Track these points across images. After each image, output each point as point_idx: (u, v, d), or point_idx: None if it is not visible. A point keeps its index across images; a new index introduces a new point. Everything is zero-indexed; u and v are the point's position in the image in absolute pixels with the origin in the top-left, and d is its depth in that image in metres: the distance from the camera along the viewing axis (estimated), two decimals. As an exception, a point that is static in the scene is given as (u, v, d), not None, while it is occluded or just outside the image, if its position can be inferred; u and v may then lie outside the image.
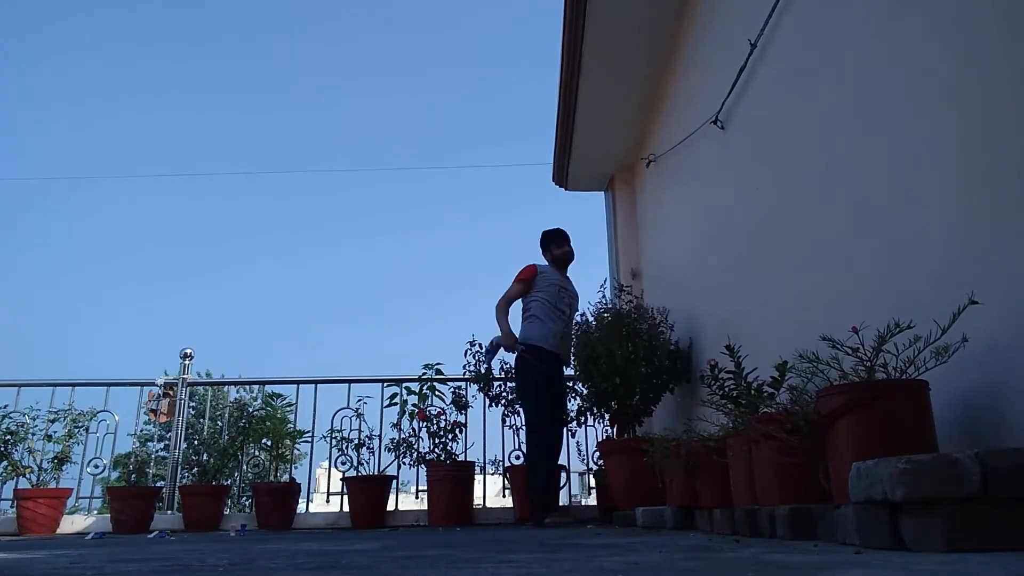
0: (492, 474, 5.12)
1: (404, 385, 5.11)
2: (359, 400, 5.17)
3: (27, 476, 4.87)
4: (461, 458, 4.90)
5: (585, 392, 4.78)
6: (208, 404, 8.49)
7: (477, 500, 4.95)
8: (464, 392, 5.13)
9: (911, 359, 1.67)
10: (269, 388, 5.44)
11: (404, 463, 4.98)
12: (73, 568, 1.64)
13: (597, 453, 4.82)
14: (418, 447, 4.91)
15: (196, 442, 5.48)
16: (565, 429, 4.84)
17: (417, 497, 5.07)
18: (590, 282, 5.36)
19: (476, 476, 4.88)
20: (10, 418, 4.95)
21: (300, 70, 52.95)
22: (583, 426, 4.99)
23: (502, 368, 4.94)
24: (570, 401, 4.91)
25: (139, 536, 4.02)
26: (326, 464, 5.34)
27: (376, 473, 4.96)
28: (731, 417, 2.31)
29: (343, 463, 4.96)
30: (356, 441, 5.03)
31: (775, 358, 2.21)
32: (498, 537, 2.77)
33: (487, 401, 5.02)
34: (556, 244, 4.67)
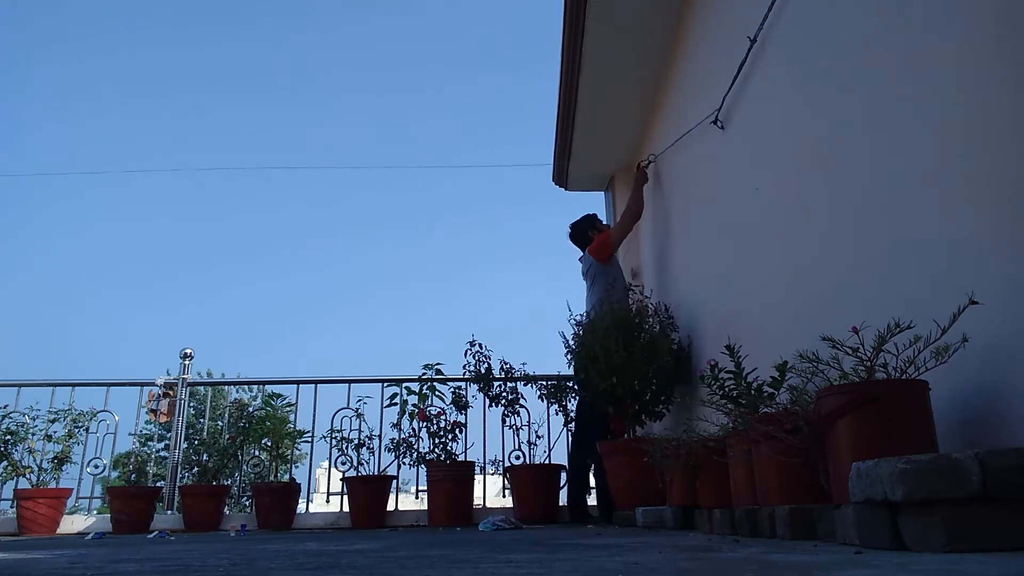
0: (492, 474, 5.12)
1: (404, 385, 5.11)
2: (359, 400, 5.18)
3: (27, 476, 4.87)
4: (461, 458, 4.90)
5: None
6: (208, 404, 8.50)
7: (477, 500, 4.95)
8: (464, 392, 5.14)
9: (911, 359, 1.67)
10: (269, 388, 5.43)
11: (404, 463, 4.99)
12: (73, 568, 1.64)
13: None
14: (418, 447, 4.91)
15: (196, 442, 5.48)
16: (565, 429, 4.90)
17: (417, 497, 5.07)
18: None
19: (476, 476, 4.88)
20: (10, 418, 4.95)
21: (300, 69, 52.97)
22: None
23: (502, 368, 4.94)
24: (569, 401, 4.92)
25: (139, 536, 4.02)
26: (326, 464, 5.35)
27: (376, 473, 4.96)
28: (731, 417, 2.30)
29: (343, 463, 4.96)
30: (356, 441, 5.03)
31: (775, 358, 2.21)
32: (498, 537, 2.77)
33: (487, 401, 5.02)
34: (596, 227, 5.03)
